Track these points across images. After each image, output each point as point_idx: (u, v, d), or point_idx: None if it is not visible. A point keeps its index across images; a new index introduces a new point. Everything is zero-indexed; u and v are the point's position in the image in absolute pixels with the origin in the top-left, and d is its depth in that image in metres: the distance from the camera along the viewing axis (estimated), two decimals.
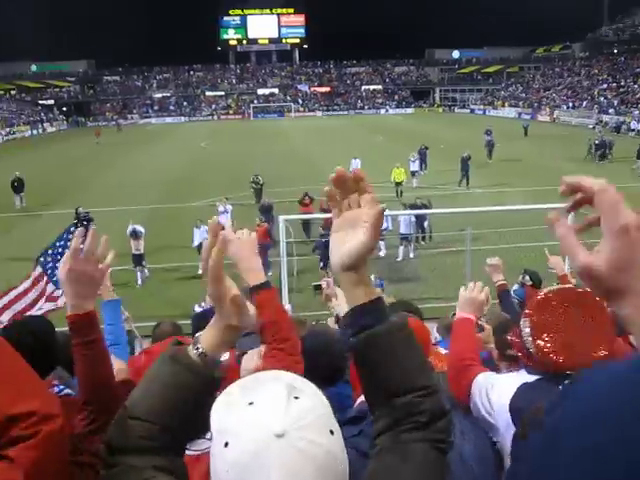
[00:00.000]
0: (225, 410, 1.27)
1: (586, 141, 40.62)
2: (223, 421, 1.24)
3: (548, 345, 2.33)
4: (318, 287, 6.00)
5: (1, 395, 1.66)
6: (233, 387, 1.34)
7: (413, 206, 20.47)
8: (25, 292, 7.43)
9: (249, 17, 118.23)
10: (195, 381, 1.43)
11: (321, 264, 17.16)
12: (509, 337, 2.83)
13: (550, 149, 44.26)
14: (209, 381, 1.46)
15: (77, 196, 31.30)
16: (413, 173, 31.64)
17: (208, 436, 1.35)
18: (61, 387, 2.60)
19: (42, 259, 7.86)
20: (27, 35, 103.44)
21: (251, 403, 1.23)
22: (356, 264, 1.44)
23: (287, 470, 1.14)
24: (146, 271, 18.11)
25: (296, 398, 1.23)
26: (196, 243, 18.19)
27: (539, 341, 2.35)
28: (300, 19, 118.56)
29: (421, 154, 34.84)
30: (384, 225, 18.71)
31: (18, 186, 29.15)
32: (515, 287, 11.27)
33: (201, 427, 1.46)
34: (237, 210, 22.12)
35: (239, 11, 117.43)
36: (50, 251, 7.95)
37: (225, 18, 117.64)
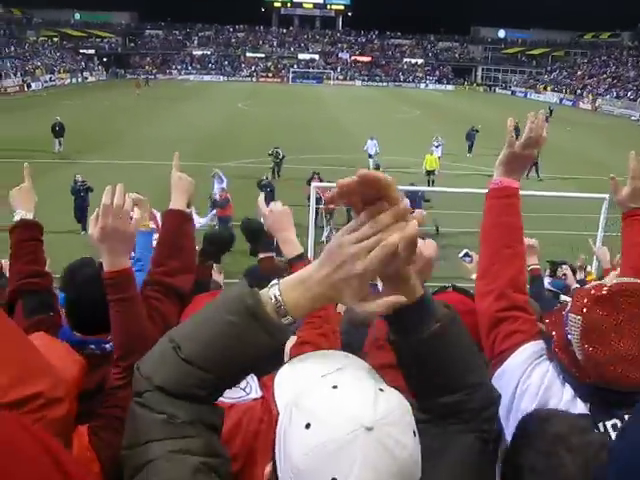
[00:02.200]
0: (304, 387, 1.21)
1: None
2: (303, 399, 1.18)
3: (604, 353, 1.81)
4: None
5: (5, 375, 1.61)
6: (306, 362, 1.31)
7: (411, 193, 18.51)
8: None
9: None
10: (266, 341, 1.24)
11: None
12: (546, 326, 2.24)
13: (589, 139, 43.51)
14: (280, 342, 1.29)
15: (112, 146, 31.79)
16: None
17: (242, 385, 1.33)
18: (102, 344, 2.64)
19: None
20: None
21: (335, 387, 1.17)
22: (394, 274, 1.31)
23: (372, 466, 1.09)
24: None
25: (381, 390, 1.18)
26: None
27: (591, 347, 1.84)
28: None
29: (470, 136, 33.59)
30: None
31: (59, 130, 30.11)
32: (548, 279, 11.00)
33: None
34: (237, 183, 21.32)
35: None
36: None
37: None
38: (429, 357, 1.35)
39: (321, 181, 19.53)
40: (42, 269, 2.89)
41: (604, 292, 1.85)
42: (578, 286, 6.31)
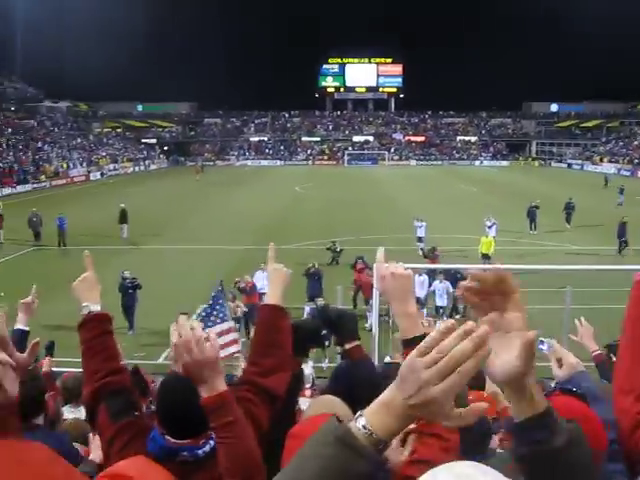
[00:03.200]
0: None
1: None
2: None
3: None
4: None
5: None
6: None
7: (448, 273, 18.55)
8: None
9: (348, 66, 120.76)
10: (364, 467, 1.19)
11: None
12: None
13: None
14: (378, 467, 1.23)
15: (174, 231, 32.83)
16: None
17: None
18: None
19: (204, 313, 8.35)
20: (137, 77, 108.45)
21: None
22: (512, 383, 1.35)
23: None
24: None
25: None
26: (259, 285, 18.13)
27: None
28: (398, 69, 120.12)
29: (531, 213, 32.86)
30: (419, 294, 17.60)
31: (123, 217, 31.79)
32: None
33: None
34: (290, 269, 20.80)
35: (338, 60, 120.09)
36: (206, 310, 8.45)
37: (324, 66, 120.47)
38: (557, 472, 1.35)
39: (366, 265, 19.29)
40: (119, 365, 2.80)
41: None
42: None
